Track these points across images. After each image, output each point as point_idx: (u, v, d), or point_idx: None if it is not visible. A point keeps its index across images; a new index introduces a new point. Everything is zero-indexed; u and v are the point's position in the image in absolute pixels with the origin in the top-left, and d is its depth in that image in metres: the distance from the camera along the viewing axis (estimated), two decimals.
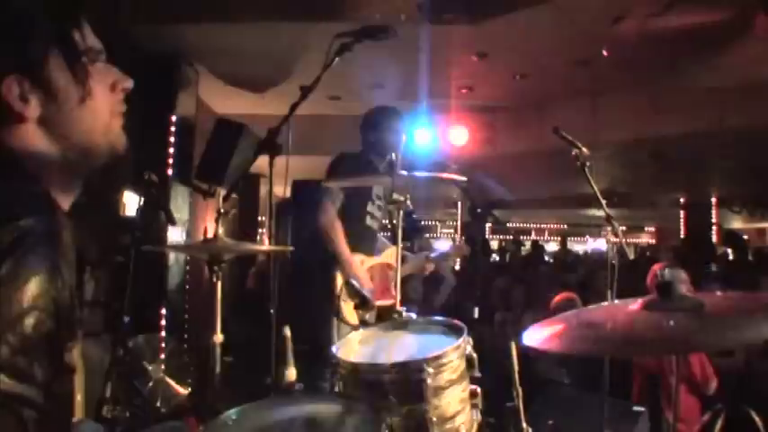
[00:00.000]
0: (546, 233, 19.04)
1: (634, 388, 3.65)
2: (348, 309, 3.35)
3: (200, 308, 5.67)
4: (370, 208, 3.50)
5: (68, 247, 0.94)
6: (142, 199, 3.27)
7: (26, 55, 0.96)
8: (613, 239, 2.77)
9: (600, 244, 15.70)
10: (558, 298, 4.45)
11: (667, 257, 8.48)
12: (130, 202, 5.14)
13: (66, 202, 1.03)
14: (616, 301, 1.78)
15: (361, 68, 5.11)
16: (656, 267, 3.82)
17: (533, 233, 18.45)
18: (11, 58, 0.95)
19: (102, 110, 1.04)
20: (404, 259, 3.65)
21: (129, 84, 1.08)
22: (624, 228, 14.57)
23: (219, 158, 5.16)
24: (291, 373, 1.96)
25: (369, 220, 3.50)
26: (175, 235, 5.44)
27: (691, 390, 3.42)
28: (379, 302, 3.41)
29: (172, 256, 5.49)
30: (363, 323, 3.25)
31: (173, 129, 5.57)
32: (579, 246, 19.10)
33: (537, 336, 1.51)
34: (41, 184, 0.98)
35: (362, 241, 3.45)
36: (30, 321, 0.83)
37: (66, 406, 0.96)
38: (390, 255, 3.57)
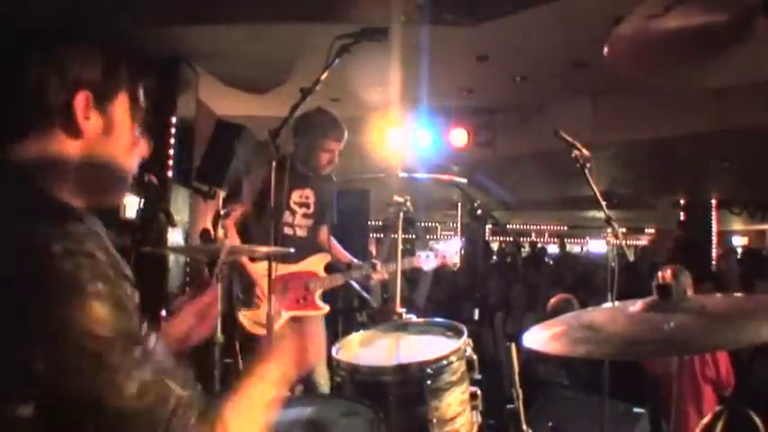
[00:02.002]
0: (546, 235, 19.04)
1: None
2: (250, 316, 3.20)
3: None
4: (286, 218, 3.34)
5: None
6: (142, 201, 3.27)
7: (106, 79, 1.03)
8: (613, 241, 2.76)
9: (599, 245, 15.72)
10: (554, 299, 4.45)
11: (665, 259, 8.49)
12: (130, 204, 5.14)
13: None
14: (616, 303, 1.77)
15: (362, 70, 5.11)
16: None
17: (533, 235, 18.46)
18: (94, 74, 1.02)
19: (133, 163, 1.13)
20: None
21: (147, 153, 1.17)
22: (624, 229, 14.58)
23: (219, 160, 5.16)
24: None
25: (285, 230, 3.33)
26: (175, 237, 5.44)
27: (715, 392, 3.48)
28: (293, 313, 3.29)
29: (172, 257, 5.50)
30: (362, 325, 3.23)
31: (173, 130, 5.57)
32: (579, 248, 19.10)
33: (537, 338, 1.51)
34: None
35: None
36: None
37: None
38: (312, 263, 3.44)
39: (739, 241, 17.48)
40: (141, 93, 1.11)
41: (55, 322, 0.83)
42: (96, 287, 0.86)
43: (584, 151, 2.68)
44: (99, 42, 1.06)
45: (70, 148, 1.01)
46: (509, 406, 2.05)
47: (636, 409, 3.11)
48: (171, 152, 5.54)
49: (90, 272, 0.86)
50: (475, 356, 1.86)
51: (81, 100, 1.00)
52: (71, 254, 0.86)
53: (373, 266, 3.40)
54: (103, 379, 0.85)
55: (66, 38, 1.02)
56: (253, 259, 3.23)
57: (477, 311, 6.55)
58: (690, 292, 3.47)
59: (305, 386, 3.11)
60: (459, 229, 12.84)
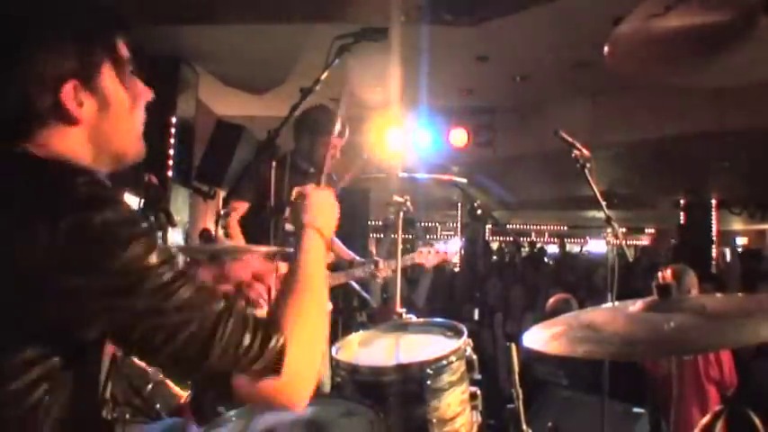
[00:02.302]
0: (546, 235, 19.04)
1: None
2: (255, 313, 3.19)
3: None
4: (287, 215, 3.34)
5: None
6: (142, 201, 3.26)
7: (85, 62, 1.02)
8: (613, 241, 2.76)
9: (599, 245, 15.70)
10: (553, 299, 4.44)
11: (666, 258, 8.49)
12: (130, 204, 5.14)
13: None
14: (616, 303, 1.77)
15: (362, 70, 5.11)
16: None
17: (533, 235, 18.45)
18: (71, 63, 1.01)
19: (140, 119, 1.14)
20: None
21: (151, 96, 1.16)
22: (624, 229, 14.57)
23: (219, 160, 5.18)
24: None
25: (287, 227, 3.37)
26: (175, 237, 5.44)
27: (718, 392, 3.48)
28: None
29: None
30: (362, 325, 3.23)
31: (173, 130, 5.56)
32: (579, 248, 19.08)
33: (537, 338, 1.51)
34: None
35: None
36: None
37: None
38: None
39: (739, 241, 17.47)
40: (121, 48, 1.09)
41: (102, 261, 0.92)
42: (132, 227, 0.96)
43: (584, 151, 2.68)
44: (67, 25, 1.04)
45: (74, 133, 1.03)
46: (509, 406, 2.04)
47: (636, 409, 3.10)
48: (171, 152, 5.54)
49: (122, 216, 0.96)
50: (475, 356, 1.86)
51: (68, 92, 1.01)
52: (104, 203, 0.94)
53: (375, 264, 3.41)
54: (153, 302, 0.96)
55: (31, 39, 1.00)
56: None
57: (476, 311, 6.55)
58: (694, 292, 3.46)
59: None
60: (459, 229, 12.83)
